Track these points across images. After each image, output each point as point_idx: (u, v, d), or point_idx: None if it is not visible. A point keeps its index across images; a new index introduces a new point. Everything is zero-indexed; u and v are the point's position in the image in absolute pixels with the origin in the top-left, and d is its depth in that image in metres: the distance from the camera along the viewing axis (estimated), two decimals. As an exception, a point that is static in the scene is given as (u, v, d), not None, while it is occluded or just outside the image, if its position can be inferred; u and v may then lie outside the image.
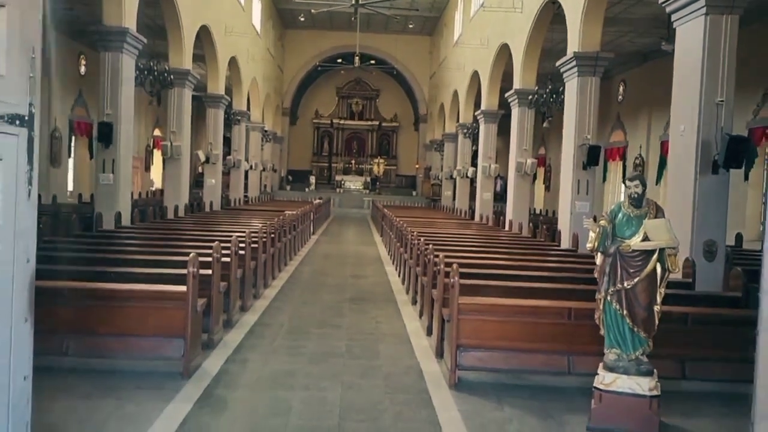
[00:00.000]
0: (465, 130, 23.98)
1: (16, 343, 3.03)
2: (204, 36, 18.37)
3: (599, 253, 4.82)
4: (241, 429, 4.49)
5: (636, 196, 4.69)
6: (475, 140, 23.19)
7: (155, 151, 30.36)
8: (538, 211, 26.67)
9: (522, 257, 9.31)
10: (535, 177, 31.99)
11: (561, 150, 13.66)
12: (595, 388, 4.78)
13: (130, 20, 12.47)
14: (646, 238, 4.61)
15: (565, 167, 13.01)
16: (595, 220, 4.82)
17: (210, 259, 6.60)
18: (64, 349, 5.38)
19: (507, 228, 16.33)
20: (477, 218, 20.28)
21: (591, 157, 12.37)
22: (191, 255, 5.62)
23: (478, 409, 5.03)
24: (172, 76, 15.67)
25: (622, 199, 4.95)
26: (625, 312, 4.69)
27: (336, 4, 23.06)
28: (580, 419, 4.83)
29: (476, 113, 21.45)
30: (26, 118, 3.01)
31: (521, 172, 16.70)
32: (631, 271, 4.66)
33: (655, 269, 4.64)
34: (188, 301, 5.48)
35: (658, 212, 4.69)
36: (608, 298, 4.75)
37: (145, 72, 15.00)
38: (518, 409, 5.05)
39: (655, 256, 4.60)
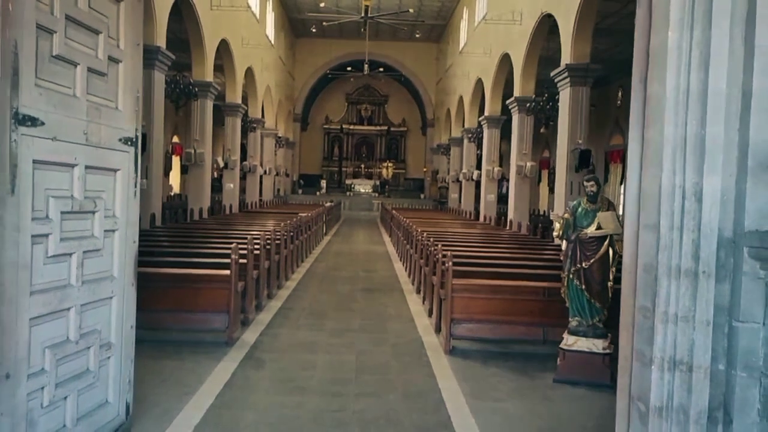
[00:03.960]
0: (470, 135, 25.14)
1: (126, 301, 4.24)
2: (223, 49, 19.61)
3: (564, 240, 5.99)
4: (278, 378, 5.69)
5: (592, 193, 5.86)
6: (479, 144, 24.32)
7: (173, 157, 31.71)
8: (542, 212, 27.72)
9: (515, 251, 10.45)
10: (540, 179, 33.29)
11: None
12: (561, 348, 5.95)
13: (160, 39, 13.74)
14: (599, 227, 5.78)
15: (559, 170, 14.15)
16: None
17: (245, 251, 7.80)
18: (130, 322, 6.58)
19: (508, 227, 17.47)
20: (481, 219, 21.41)
21: (582, 161, 13.51)
22: (234, 245, 6.86)
23: (467, 367, 6.22)
24: (196, 89, 16.95)
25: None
26: (583, 287, 5.86)
27: (346, 18, 24.29)
28: (549, 374, 5.99)
29: (480, 119, 22.60)
30: (134, 140, 4.23)
31: (522, 174, 17.86)
32: (588, 253, 5.83)
33: (607, 252, 5.79)
34: (231, 283, 6.71)
35: (609, 206, 5.86)
36: (570, 276, 5.92)
37: (172, 85, 16.30)
38: (500, 368, 6.22)
39: (607, 241, 5.76)
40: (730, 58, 2.81)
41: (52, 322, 3.50)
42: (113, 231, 4.06)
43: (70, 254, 3.64)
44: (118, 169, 4.10)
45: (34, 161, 3.27)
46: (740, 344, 2.84)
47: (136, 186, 4.28)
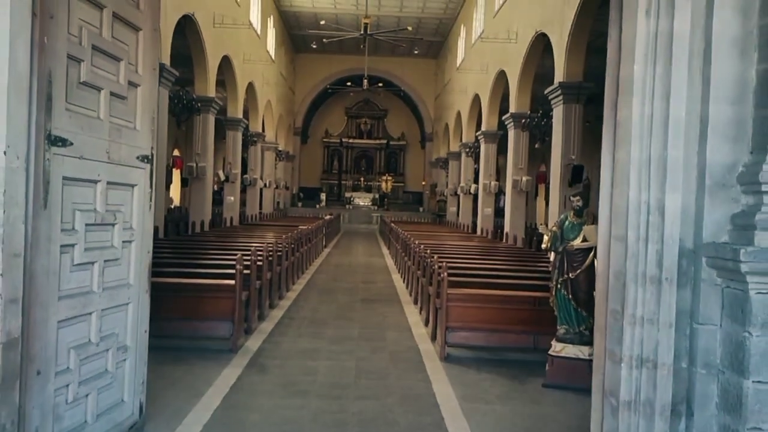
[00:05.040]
0: (467, 149, 25.54)
1: (140, 306, 4.56)
2: (225, 65, 20.01)
3: (552, 252, 6.32)
4: (281, 383, 5.99)
5: (578, 208, 6.20)
6: (477, 159, 24.71)
7: (174, 170, 32.06)
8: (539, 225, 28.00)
9: (510, 263, 10.77)
10: (537, 193, 33.66)
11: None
12: (549, 355, 6.26)
13: (165, 56, 14.11)
14: (585, 240, 6.11)
15: (553, 185, 14.52)
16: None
17: (248, 262, 8.12)
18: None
19: (505, 240, 17.80)
20: (478, 232, 21.76)
21: (575, 175, 13.86)
22: (238, 256, 7.18)
23: (461, 373, 6.53)
24: (199, 104, 17.35)
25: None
26: (570, 296, 6.19)
27: (346, 35, 24.75)
28: (538, 380, 6.30)
29: (477, 134, 23.00)
30: (150, 157, 4.57)
31: (517, 188, 18.23)
32: (575, 264, 6.16)
33: (592, 263, 6.11)
34: (236, 292, 7.03)
35: (594, 220, 6.18)
36: (558, 286, 6.25)
37: (175, 100, 16.68)
38: (492, 374, 6.53)
39: (592, 253, 6.09)
40: (688, 89, 3.16)
41: (77, 325, 3.82)
42: (130, 242, 4.39)
43: (93, 263, 3.96)
44: (136, 185, 4.43)
45: (64, 178, 3.60)
46: (700, 344, 3.16)
47: (151, 200, 4.61)
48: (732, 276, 3.02)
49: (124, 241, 4.29)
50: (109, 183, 4.08)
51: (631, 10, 3.26)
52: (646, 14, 3.18)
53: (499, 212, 23.22)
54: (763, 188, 2.96)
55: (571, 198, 6.28)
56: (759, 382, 2.90)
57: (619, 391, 3.24)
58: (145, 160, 4.52)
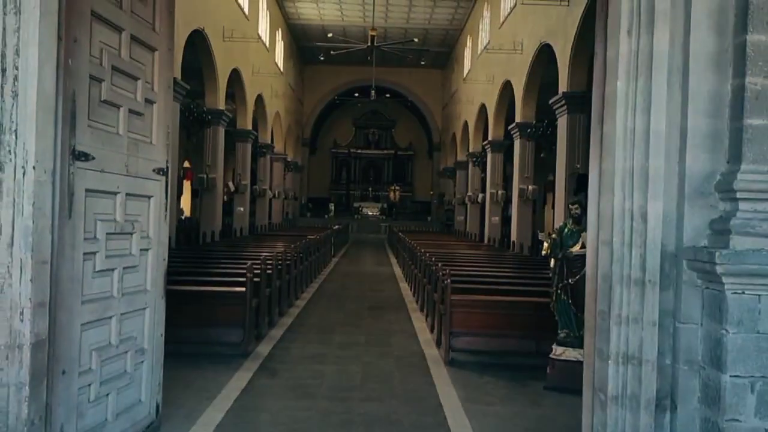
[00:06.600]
0: (474, 159, 25.75)
1: (157, 311, 4.80)
2: (234, 78, 20.36)
3: (552, 258, 6.53)
4: (290, 386, 6.22)
5: (576, 215, 6.41)
6: (484, 168, 24.92)
7: (185, 181, 32.44)
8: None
9: (515, 271, 10.96)
10: (545, 202, 33.78)
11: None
12: (550, 358, 6.45)
13: (176, 70, 14.44)
14: (584, 246, 6.30)
15: (558, 194, 14.71)
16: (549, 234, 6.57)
17: (258, 270, 8.36)
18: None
19: (512, 249, 17.98)
20: (486, 241, 21.94)
21: (580, 185, 14.05)
22: (249, 264, 7.43)
23: (464, 376, 6.73)
24: (209, 117, 17.68)
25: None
26: (570, 301, 6.38)
27: (353, 47, 25.08)
28: (539, 383, 6.49)
29: (484, 143, 23.22)
30: (165, 170, 4.82)
31: (524, 197, 18.43)
32: (574, 270, 6.36)
33: (590, 269, 6.32)
34: (247, 299, 7.27)
35: (592, 227, 6.40)
36: (558, 291, 6.45)
37: (186, 113, 17.01)
38: (494, 377, 6.73)
39: (590, 259, 6.29)
40: (668, 103, 3.38)
41: (98, 328, 4.06)
42: (147, 250, 4.63)
43: (113, 269, 4.21)
44: (152, 196, 4.68)
45: (86, 190, 3.85)
46: (682, 342, 3.36)
47: (166, 210, 4.86)
48: (710, 277, 3.22)
49: (141, 249, 4.54)
50: (127, 194, 4.33)
51: (615, 30, 3.49)
52: (628, 33, 3.41)
53: (506, 221, 23.39)
54: (738, 195, 3.17)
55: (570, 206, 6.49)
56: (736, 376, 3.10)
57: (607, 386, 3.45)
58: (161, 173, 4.77)
